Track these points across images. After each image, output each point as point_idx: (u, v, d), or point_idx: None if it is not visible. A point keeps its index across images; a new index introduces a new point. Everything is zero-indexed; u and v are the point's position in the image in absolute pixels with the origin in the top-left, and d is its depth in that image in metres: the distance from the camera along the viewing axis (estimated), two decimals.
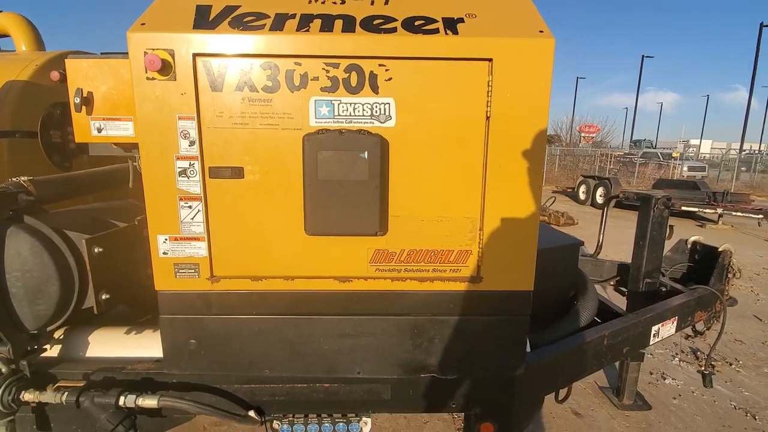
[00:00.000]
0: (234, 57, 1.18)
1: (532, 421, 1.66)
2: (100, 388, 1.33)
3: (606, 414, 2.52)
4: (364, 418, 1.49)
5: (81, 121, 1.46)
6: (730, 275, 2.37)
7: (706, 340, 2.63)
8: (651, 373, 2.97)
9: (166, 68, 1.17)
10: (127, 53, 1.20)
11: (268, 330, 1.34)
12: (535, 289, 1.35)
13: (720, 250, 2.41)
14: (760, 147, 41.78)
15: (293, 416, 1.48)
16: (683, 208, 9.21)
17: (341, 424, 1.47)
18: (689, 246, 2.64)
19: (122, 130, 1.47)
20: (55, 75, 1.51)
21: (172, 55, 1.17)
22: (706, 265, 2.47)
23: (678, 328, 2.14)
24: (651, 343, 2.03)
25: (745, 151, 32.79)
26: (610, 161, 22.71)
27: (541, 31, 1.22)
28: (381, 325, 1.35)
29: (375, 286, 1.32)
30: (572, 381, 1.73)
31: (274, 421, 1.47)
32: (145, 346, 1.50)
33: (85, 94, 1.41)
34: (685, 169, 20.56)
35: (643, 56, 34.39)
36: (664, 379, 2.93)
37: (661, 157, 23.52)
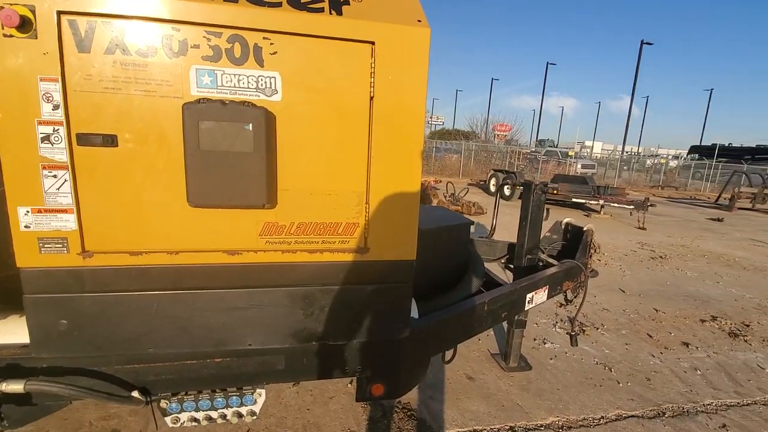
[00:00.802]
0: (104, 17, 1.12)
1: (421, 381, 1.81)
2: None
3: (494, 376, 2.82)
4: (258, 390, 1.51)
5: None
6: (592, 251, 2.78)
7: (585, 314, 3.07)
8: (534, 339, 3.37)
9: (25, 25, 1.07)
10: None
11: (150, 306, 1.30)
12: (430, 262, 1.48)
13: (584, 229, 2.81)
14: (638, 149, 48.55)
15: (184, 394, 1.46)
16: (573, 199, 10.44)
17: (235, 397, 1.49)
18: (563, 227, 3.04)
19: None
20: None
21: (33, 12, 1.08)
22: (575, 242, 2.87)
23: (549, 296, 2.47)
24: (526, 308, 2.32)
25: (627, 152, 37.78)
26: (518, 158, 24.86)
27: (420, 21, 1.33)
28: (272, 297, 1.38)
29: (266, 259, 1.35)
30: (456, 343, 1.93)
31: (162, 401, 1.44)
32: (8, 332, 1.37)
33: None
34: (579, 166, 23.20)
35: (547, 63, 37.85)
36: (545, 343, 3.35)
37: (560, 156, 26.27)
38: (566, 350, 3.25)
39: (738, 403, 2.74)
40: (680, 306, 4.45)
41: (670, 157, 42.53)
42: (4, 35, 1.08)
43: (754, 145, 38.70)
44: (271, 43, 1.22)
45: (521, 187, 2.77)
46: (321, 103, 1.29)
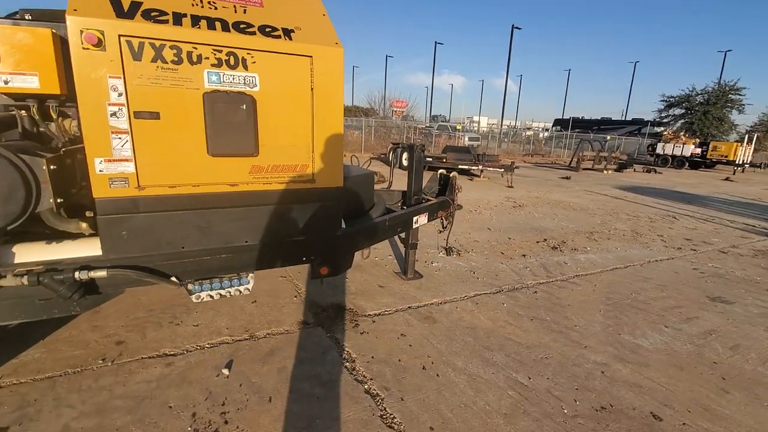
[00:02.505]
0: (149, 40, 1.85)
1: (349, 267, 2.82)
2: (55, 272, 1.86)
3: (398, 283, 3.98)
4: (250, 274, 2.38)
5: None
6: (456, 190, 4.04)
7: (461, 244, 4.36)
8: (425, 262, 4.62)
9: (99, 43, 1.76)
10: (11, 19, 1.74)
11: (182, 220, 2.08)
12: (352, 198, 2.45)
13: (450, 175, 4.06)
14: (516, 123, 54.92)
15: (203, 279, 2.26)
16: (459, 166, 12.28)
17: (235, 280, 2.34)
18: (438, 176, 4.27)
19: (28, 81, 1.92)
20: None
21: (103, 35, 1.76)
22: (445, 186, 4.12)
23: (429, 219, 3.68)
24: (414, 227, 3.48)
25: (506, 125, 42.67)
26: (415, 132, 26.90)
27: (336, 43, 2.26)
28: (259, 212, 2.25)
29: (253, 188, 2.20)
30: (370, 245, 2.99)
31: (188, 284, 2.23)
32: (83, 250, 2.02)
33: None
34: (466, 139, 26.06)
35: (435, 42, 40.51)
36: (432, 264, 4.63)
37: (450, 130, 29.03)
38: (447, 266, 4.56)
39: (547, 281, 4.30)
40: (526, 235, 6.16)
41: (541, 129, 49.24)
42: (84, 48, 1.75)
43: (599, 117, 46.66)
44: (252, 56, 2.05)
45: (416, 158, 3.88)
46: (283, 92, 2.16)
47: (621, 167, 19.39)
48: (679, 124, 33.96)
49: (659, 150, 24.50)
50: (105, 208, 1.92)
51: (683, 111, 34.02)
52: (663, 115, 35.79)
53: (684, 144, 23.75)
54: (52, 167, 1.79)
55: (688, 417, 2.32)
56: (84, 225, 2.14)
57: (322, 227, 2.46)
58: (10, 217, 1.71)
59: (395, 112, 36.82)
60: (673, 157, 23.74)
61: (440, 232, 4.31)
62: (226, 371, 2.48)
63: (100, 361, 2.51)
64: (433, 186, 4.33)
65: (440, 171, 4.27)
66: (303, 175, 2.32)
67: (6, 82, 1.89)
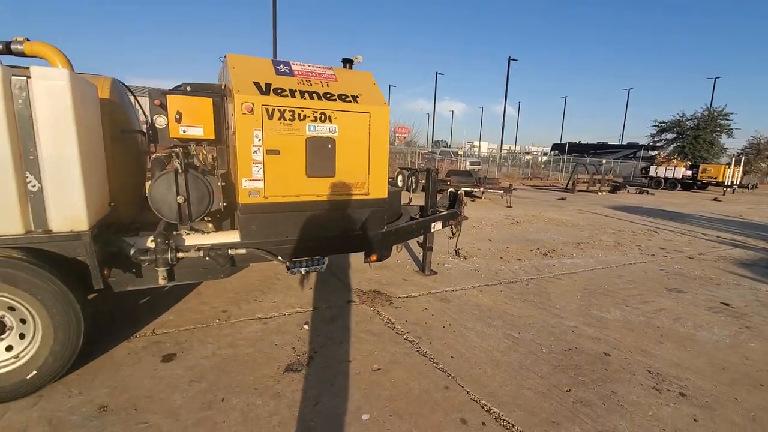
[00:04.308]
0: (279, 107, 3.02)
1: (388, 256, 3.90)
2: (215, 249, 2.97)
3: (418, 277, 5.05)
4: (324, 258, 3.48)
5: (175, 125, 3.03)
6: (463, 204, 5.17)
7: (467, 251, 5.46)
8: (438, 264, 5.70)
9: (251, 110, 2.93)
10: (191, 91, 2.94)
11: (288, 218, 3.20)
12: (391, 206, 3.58)
13: (458, 193, 5.20)
14: (515, 147, 56.61)
15: (296, 259, 3.36)
16: (463, 188, 13.46)
17: (317, 261, 3.44)
18: (448, 194, 5.41)
19: (196, 130, 3.10)
20: (156, 102, 3.03)
21: (254, 105, 2.94)
22: (454, 201, 5.25)
23: (443, 226, 4.79)
24: (432, 230, 4.60)
25: (506, 150, 44.20)
26: (418, 157, 28.32)
27: (385, 103, 3.44)
28: (335, 213, 3.37)
29: (331, 198, 3.33)
30: (402, 241, 4.09)
31: (287, 263, 3.33)
32: (228, 237, 3.13)
33: (177, 113, 3.00)
34: (467, 163, 27.47)
35: (436, 73, 42.71)
36: (444, 265, 5.70)
37: (452, 155, 30.51)
38: (456, 267, 5.64)
39: (537, 278, 5.37)
40: (521, 245, 7.24)
41: (539, 153, 50.82)
42: (242, 113, 2.92)
43: (596, 142, 48.22)
44: (334, 114, 3.21)
45: (423, 181, 5.04)
46: (352, 136, 3.31)
47: (615, 189, 20.56)
48: (671, 147, 35.38)
49: (652, 173, 25.73)
50: (245, 210, 3.05)
51: (675, 135, 35.49)
52: (656, 139, 37.28)
53: (675, 167, 24.99)
54: (221, 183, 2.93)
55: (630, 355, 3.36)
56: (210, 225, 3.27)
57: (373, 226, 3.58)
58: (201, 212, 2.85)
59: (398, 138, 38.45)
60: (666, 179, 24.94)
61: (450, 238, 5.42)
62: (306, 326, 3.55)
63: (217, 321, 3.59)
64: (444, 202, 5.47)
65: (450, 190, 5.42)
66: (362, 189, 3.46)
67: (184, 131, 3.07)
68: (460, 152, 30.62)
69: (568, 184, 21.31)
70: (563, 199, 16.14)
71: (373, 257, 3.69)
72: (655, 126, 36.84)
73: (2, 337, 2.34)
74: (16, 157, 2.11)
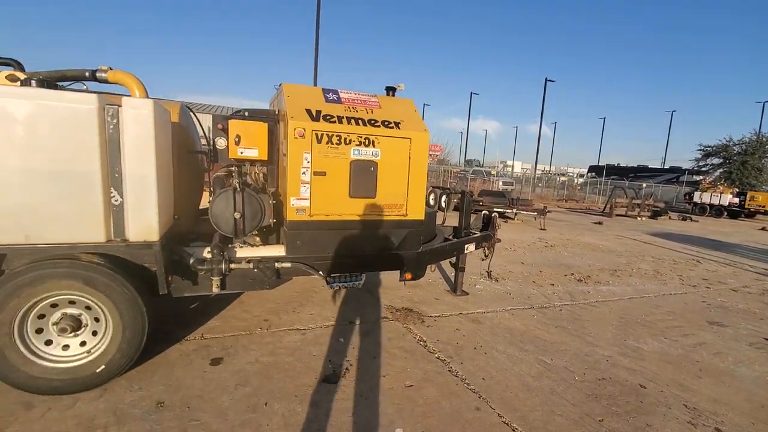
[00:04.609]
0: (327, 132, 3.26)
1: (423, 275, 4.03)
2: (264, 261, 3.20)
3: (450, 297, 5.12)
4: (362, 275, 3.65)
5: (234, 147, 3.31)
6: (496, 227, 5.24)
7: (498, 273, 5.50)
8: (469, 285, 5.75)
9: (303, 135, 3.18)
10: (249, 116, 3.21)
11: (331, 235, 3.40)
12: (427, 227, 3.73)
13: (492, 215, 5.28)
14: (550, 168, 55.58)
15: (336, 275, 3.55)
16: (495, 209, 13.41)
17: (355, 277, 3.61)
18: (482, 215, 5.49)
19: (252, 152, 3.38)
20: (219, 126, 3.33)
21: (305, 130, 3.19)
22: (488, 223, 5.33)
23: (476, 248, 4.87)
24: (465, 252, 4.68)
25: (540, 171, 43.51)
26: (450, 176, 28.36)
27: (425, 129, 3.62)
28: (374, 232, 3.55)
29: (371, 218, 3.52)
30: (437, 261, 4.21)
31: (327, 277, 3.52)
32: (275, 251, 3.37)
33: (237, 136, 3.29)
34: (500, 183, 27.22)
35: (471, 93, 42.88)
36: (476, 286, 5.74)
37: (485, 175, 30.34)
38: (487, 288, 5.67)
39: (571, 304, 5.32)
40: (555, 269, 7.17)
41: (575, 174, 49.62)
42: (294, 137, 3.17)
43: (636, 165, 46.60)
44: (377, 139, 3.42)
45: (455, 201, 5.16)
46: (393, 160, 3.50)
47: (655, 214, 19.78)
48: (717, 173, 33.70)
49: (696, 198, 24.58)
50: (291, 226, 3.28)
51: (721, 160, 33.83)
52: (701, 164, 35.63)
53: (722, 193, 23.78)
54: (271, 201, 3.18)
55: (666, 388, 3.30)
56: (257, 239, 3.51)
57: (410, 245, 3.73)
58: (253, 227, 3.10)
59: (431, 155, 38.65)
60: (711, 206, 23.75)
61: (482, 260, 5.48)
62: (341, 340, 3.70)
63: (259, 329, 3.80)
64: (478, 223, 5.55)
65: (484, 212, 5.50)
66: (400, 210, 3.62)
67: (242, 153, 3.35)
68: (493, 172, 30.40)
69: (605, 207, 20.70)
70: (600, 223, 15.72)
71: (409, 276, 3.83)
72: (700, 150, 35.28)
73: (78, 333, 2.63)
74: (105, 174, 2.42)
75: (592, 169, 47.76)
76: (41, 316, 2.54)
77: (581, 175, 48.27)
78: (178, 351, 3.30)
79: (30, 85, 2.35)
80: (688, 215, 21.82)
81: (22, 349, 2.47)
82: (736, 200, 23.20)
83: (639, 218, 18.73)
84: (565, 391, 3.12)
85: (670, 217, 21.03)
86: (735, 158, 32.26)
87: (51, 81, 2.70)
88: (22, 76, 3.22)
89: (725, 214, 23.37)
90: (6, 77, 3.17)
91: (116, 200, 2.49)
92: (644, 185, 29.78)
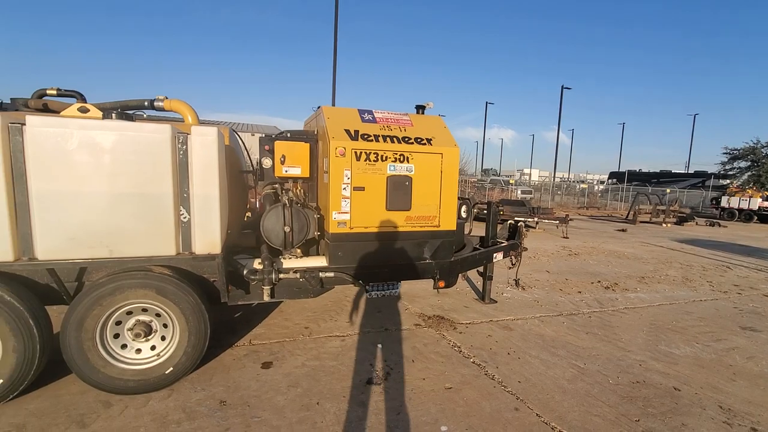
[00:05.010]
0: (364, 150, 3.51)
1: (456, 283, 4.20)
2: (309, 272, 3.44)
3: (479, 306, 5.26)
4: (398, 283, 3.85)
5: (279, 165, 3.59)
6: (522, 236, 5.38)
7: (525, 282, 5.63)
8: (497, 293, 5.87)
9: (343, 153, 3.44)
10: (292, 137, 3.50)
11: (369, 246, 3.63)
12: (458, 237, 3.92)
13: (518, 224, 5.42)
14: (569, 175, 54.91)
15: (374, 284, 3.76)
16: (515, 218, 13.46)
17: (392, 285, 3.81)
18: (509, 225, 5.64)
19: (295, 170, 3.65)
20: (266, 147, 3.61)
21: (345, 149, 3.45)
22: (514, 232, 5.47)
23: (504, 257, 5.02)
24: (494, 261, 4.84)
25: (559, 178, 43.07)
26: (467, 186, 28.40)
27: (455, 145, 3.84)
28: (410, 243, 3.76)
29: (406, 229, 3.73)
30: (467, 270, 4.38)
31: (366, 286, 3.73)
32: (317, 262, 3.61)
33: (282, 156, 3.56)
34: (519, 192, 27.13)
35: (486, 102, 42.98)
36: (503, 294, 5.86)
37: (503, 184, 30.28)
38: (515, 296, 5.79)
39: (599, 311, 5.38)
40: (581, 277, 7.21)
41: (595, 181, 48.87)
42: (335, 156, 3.43)
43: (659, 170, 45.66)
44: (411, 155, 3.65)
45: (476, 211, 5.33)
46: (426, 174, 3.72)
47: (681, 220, 19.38)
48: (745, 176, 32.76)
49: (724, 203, 23.97)
50: (333, 238, 3.52)
51: (749, 163, 32.90)
52: (727, 167, 34.71)
53: (751, 197, 23.13)
54: (316, 215, 3.44)
55: (700, 391, 3.37)
56: (299, 251, 3.76)
57: (443, 255, 3.92)
58: (300, 240, 3.36)
59: None
60: (740, 210, 23.11)
61: (510, 268, 5.61)
62: (380, 345, 3.90)
63: (301, 336, 4.04)
64: (504, 233, 5.70)
65: (510, 222, 5.65)
66: (434, 221, 3.83)
67: (286, 171, 3.63)
68: (511, 181, 30.32)
69: (628, 214, 20.41)
70: (623, 230, 15.53)
71: (442, 284, 4.01)
72: (726, 153, 34.43)
73: (149, 338, 2.91)
74: (175, 195, 2.71)
75: (612, 175, 47.00)
76: (118, 323, 2.83)
77: (601, 182, 47.51)
78: (231, 356, 3.55)
79: (111, 117, 2.67)
80: (715, 220, 21.28)
81: (102, 352, 2.75)
82: (767, 204, 22.52)
83: (664, 225, 18.39)
84: (600, 394, 3.23)
85: (696, 223, 20.56)
86: (764, 161, 31.35)
87: (127, 112, 3.04)
88: (89, 107, 3.60)
89: (755, 218, 22.70)
90: (77, 109, 3.55)
91: (184, 217, 2.78)
92: (668, 191, 29.18)
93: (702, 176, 37.89)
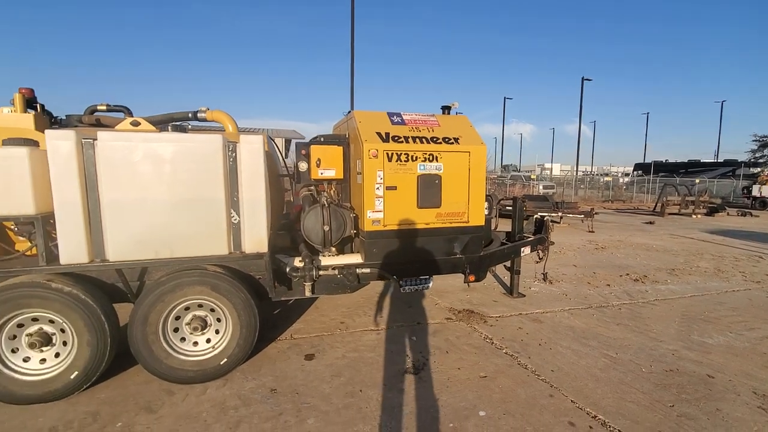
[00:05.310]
0: (396, 151, 3.68)
1: (484, 278, 4.32)
2: (346, 268, 3.64)
3: (507, 300, 5.36)
4: (431, 278, 4.01)
5: (315, 168, 3.80)
6: (549, 230, 5.44)
7: (552, 276, 5.70)
8: (525, 287, 5.95)
9: (376, 155, 3.62)
10: (326, 141, 3.68)
11: (402, 241, 3.79)
12: (486, 232, 4.05)
13: (545, 219, 5.49)
14: (592, 168, 53.73)
15: (407, 279, 3.93)
16: (539, 214, 13.38)
17: (424, 280, 3.97)
18: (535, 219, 5.71)
19: (330, 172, 3.85)
20: (303, 152, 3.82)
21: (377, 151, 3.63)
22: (541, 226, 5.54)
23: (531, 251, 5.10)
24: (522, 255, 4.94)
25: (582, 172, 42.24)
26: (488, 183, 28.26)
27: (482, 143, 3.97)
28: (441, 239, 3.91)
29: (436, 225, 3.88)
30: (496, 264, 4.50)
31: (400, 281, 3.90)
32: (353, 259, 3.81)
33: (317, 159, 3.77)
34: (540, 187, 26.81)
35: (504, 98, 42.51)
36: (531, 288, 5.94)
37: (524, 179, 29.96)
38: (543, 290, 5.86)
39: (629, 302, 5.40)
40: (609, 270, 7.20)
41: (620, 174, 47.69)
42: (368, 158, 3.61)
43: (686, 160, 44.25)
44: (440, 154, 3.80)
45: (498, 207, 5.41)
46: (455, 172, 3.86)
47: (712, 211, 18.80)
48: None
49: (755, 192, 23.11)
50: (368, 236, 3.70)
51: None
52: (757, 155, 33.36)
53: None
54: (352, 214, 3.63)
55: (734, 378, 3.40)
56: (334, 249, 3.96)
57: (473, 249, 4.05)
58: (338, 238, 3.55)
59: None
60: None
61: (537, 262, 5.68)
62: (414, 338, 4.06)
63: (338, 330, 4.24)
64: (530, 227, 5.77)
65: (536, 216, 5.72)
66: (463, 217, 3.97)
67: (322, 173, 3.84)
68: (532, 176, 29.97)
69: (656, 206, 19.93)
70: (651, 222, 15.22)
71: (472, 278, 4.14)
72: (756, 141, 33.10)
73: (205, 331, 3.15)
74: (227, 199, 2.95)
75: (638, 167, 45.81)
76: (177, 318, 3.09)
77: (626, 174, 46.33)
78: (275, 348, 3.78)
79: (167, 129, 2.92)
80: (747, 210, 20.55)
81: (164, 345, 3.01)
82: None
83: (694, 216, 17.90)
84: (634, 381, 3.31)
85: (728, 213, 19.90)
86: None
87: (181, 124, 3.30)
88: (140, 120, 3.89)
89: None
90: (130, 123, 3.84)
91: (235, 219, 3.01)
92: (697, 181, 28.28)
93: (732, 165, 36.54)
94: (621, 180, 37.51)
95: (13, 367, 2.78)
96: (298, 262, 3.59)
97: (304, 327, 4.32)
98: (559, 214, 13.21)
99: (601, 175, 42.66)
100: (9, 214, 2.66)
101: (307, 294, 3.54)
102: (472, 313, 4.82)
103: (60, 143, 2.53)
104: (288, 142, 16.14)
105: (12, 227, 3.11)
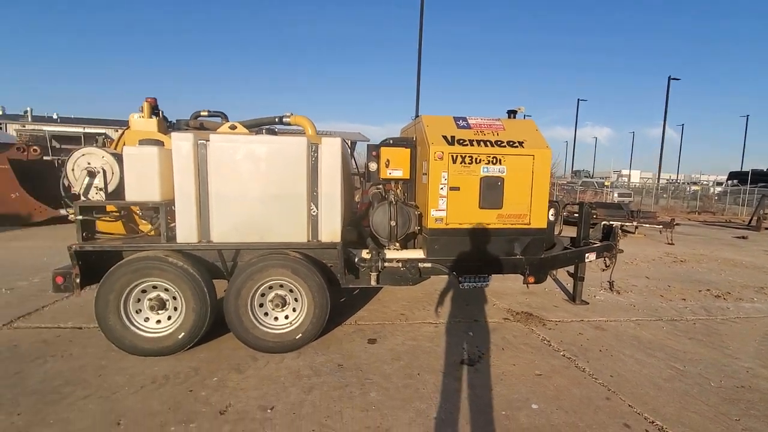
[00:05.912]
0: (461, 153, 3.89)
1: (545, 280, 4.37)
2: (409, 262, 3.92)
3: (569, 306, 5.30)
4: (489, 276, 4.16)
5: (384, 169, 4.12)
6: (618, 237, 5.29)
7: (620, 286, 5.55)
8: (589, 295, 5.81)
9: (442, 157, 3.86)
10: (394, 143, 3.96)
11: (463, 241, 3.99)
12: (548, 235, 4.11)
13: (613, 226, 5.35)
14: (678, 176, 49.04)
15: (467, 276, 4.12)
16: (611, 222, 12.67)
17: (483, 278, 4.13)
18: (602, 226, 5.58)
19: (398, 172, 4.15)
20: (374, 153, 4.17)
21: (443, 153, 3.87)
22: (608, 233, 5.41)
23: (597, 257, 5.02)
24: (586, 261, 4.88)
25: (666, 179, 38.74)
26: (556, 188, 26.99)
27: (547, 147, 4.04)
28: (501, 239, 4.04)
29: (498, 226, 4.02)
30: (558, 268, 4.52)
31: (459, 278, 4.10)
32: (416, 254, 4.09)
33: (387, 160, 4.08)
34: (615, 194, 25.10)
35: (578, 99, 40.35)
36: (595, 296, 5.79)
37: (596, 186, 28.22)
38: (608, 299, 5.70)
39: (706, 318, 5.09)
40: (687, 285, 6.74)
41: (711, 183, 42.98)
42: (434, 159, 3.86)
43: None
44: (504, 157, 3.94)
45: (563, 214, 5.34)
46: (518, 174, 3.98)
47: None
48: None
49: None
50: (431, 233, 3.95)
51: None
52: None
53: None
54: (417, 212, 3.91)
55: None
56: (398, 244, 4.24)
57: (533, 251, 4.13)
58: (403, 234, 3.86)
59: None
60: None
61: (603, 270, 5.54)
62: (470, 333, 4.24)
63: (399, 320, 4.53)
64: (597, 234, 5.64)
65: (603, 222, 5.59)
66: (524, 219, 4.07)
67: (390, 173, 4.16)
68: (606, 183, 28.13)
69: (751, 219, 17.84)
70: (744, 237, 13.71)
71: (531, 279, 4.22)
72: None
73: (284, 308, 3.61)
74: (308, 193, 3.37)
75: (732, 176, 40.87)
76: (263, 295, 3.57)
77: (719, 184, 41.60)
78: (342, 331, 4.17)
79: (262, 132, 3.41)
80: None
81: (251, 317, 3.50)
82: None
83: None
84: (699, 394, 3.22)
85: None
86: None
87: (272, 128, 3.80)
88: (236, 124, 4.48)
89: None
90: (229, 127, 4.45)
91: (314, 212, 3.43)
92: None
93: None
94: (712, 189, 33.85)
95: (137, 325, 3.42)
96: (365, 254, 3.94)
97: (367, 315, 4.67)
98: (634, 223, 12.41)
99: (689, 183, 38.80)
100: (141, 200, 3.29)
101: (373, 283, 3.87)
102: (531, 315, 4.87)
103: (182, 144, 3.10)
104: (353, 143, 16.83)
105: (138, 212, 3.81)
